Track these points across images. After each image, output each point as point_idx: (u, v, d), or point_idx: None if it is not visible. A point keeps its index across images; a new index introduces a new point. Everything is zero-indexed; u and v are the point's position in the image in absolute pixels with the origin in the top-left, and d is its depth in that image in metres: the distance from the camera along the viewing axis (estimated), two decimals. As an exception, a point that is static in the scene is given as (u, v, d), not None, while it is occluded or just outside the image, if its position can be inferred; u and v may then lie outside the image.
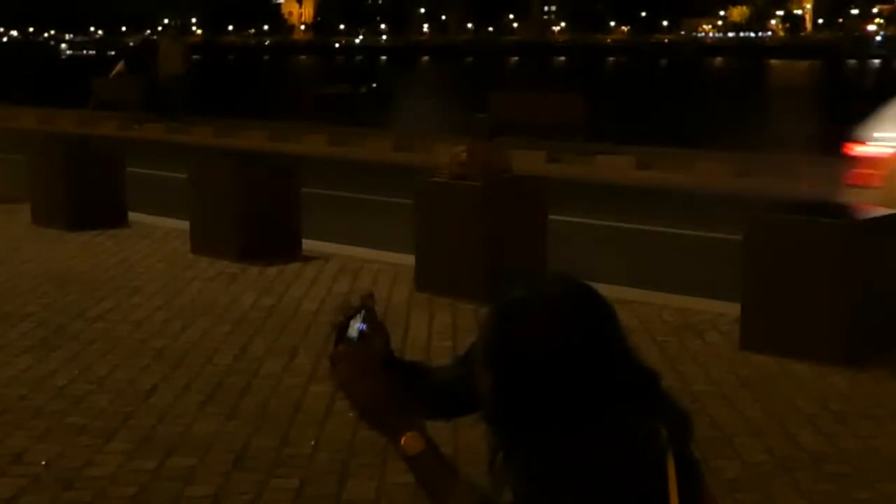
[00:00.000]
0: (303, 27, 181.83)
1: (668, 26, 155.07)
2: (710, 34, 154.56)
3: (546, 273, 1.98)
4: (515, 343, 1.95)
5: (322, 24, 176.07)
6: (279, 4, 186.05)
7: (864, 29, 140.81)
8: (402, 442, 1.97)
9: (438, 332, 6.38)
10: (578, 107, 18.54)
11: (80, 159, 9.96)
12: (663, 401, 1.99)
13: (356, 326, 1.99)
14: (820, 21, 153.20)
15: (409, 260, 7.76)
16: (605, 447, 1.92)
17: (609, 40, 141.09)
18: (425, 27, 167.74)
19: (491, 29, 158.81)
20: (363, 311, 2.00)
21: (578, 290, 1.98)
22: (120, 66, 27.36)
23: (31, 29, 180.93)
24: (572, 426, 1.93)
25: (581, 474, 1.92)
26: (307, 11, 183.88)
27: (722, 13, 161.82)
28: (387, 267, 8.08)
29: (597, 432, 1.93)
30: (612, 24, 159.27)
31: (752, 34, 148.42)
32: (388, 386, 2.01)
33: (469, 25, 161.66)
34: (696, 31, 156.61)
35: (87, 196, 9.78)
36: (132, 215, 10.09)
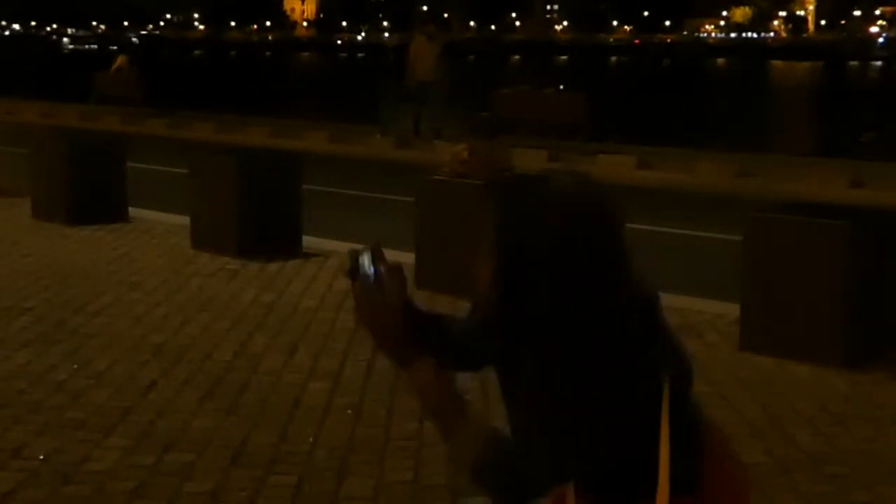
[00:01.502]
0: (305, 24, 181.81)
1: (670, 26, 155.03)
2: (713, 35, 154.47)
3: (562, 171, 1.95)
4: (525, 227, 1.92)
5: (324, 20, 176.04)
6: (282, 1, 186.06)
7: (867, 30, 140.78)
8: (412, 373, 1.99)
9: (438, 330, 6.37)
10: (580, 106, 18.55)
11: (81, 154, 9.95)
12: (666, 338, 1.99)
13: (367, 265, 2.03)
14: (822, 22, 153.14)
15: (409, 258, 7.75)
16: (609, 375, 1.91)
17: (612, 39, 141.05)
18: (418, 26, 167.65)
19: (493, 27, 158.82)
20: (370, 251, 2.02)
21: (595, 190, 1.94)
22: (120, 60, 27.37)
23: (33, 23, 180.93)
24: (575, 339, 1.92)
25: (580, 397, 1.90)
26: (309, 8, 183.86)
27: (724, 13, 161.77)
28: (387, 264, 8.06)
29: (601, 355, 1.92)
30: (615, 23, 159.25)
31: (755, 35, 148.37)
32: (405, 324, 2.05)
33: (472, 24, 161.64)
34: (699, 32, 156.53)
35: (88, 191, 9.79)
36: (133, 210, 10.09)
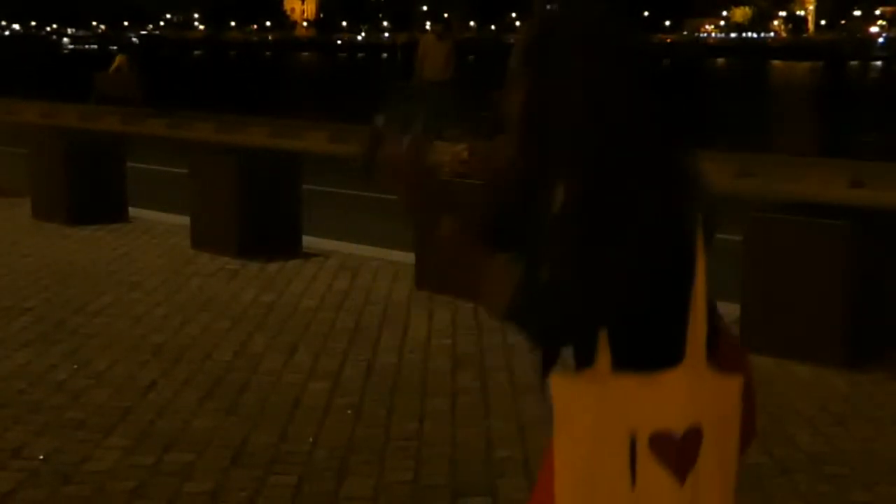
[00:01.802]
0: (305, 24, 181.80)
1: (670, 26, 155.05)
2: (713, 35, 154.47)
3: None
4: (560, 37, 1.95)
5: (324, 20, 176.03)
6: (282, 1, 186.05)
7: (867, 30, 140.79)
8: (442, 223, 2.07)
9: (438, 329, 6.38)
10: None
11: (81, 154, 9.95)
12: (696, 178, 2.01)
13: (405, 125, 2.09)
14: (822, 22, 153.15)
15: (408, 258, 7.76)
16: (647, 205, 1.93)
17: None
18: (428, 25, 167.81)
19: (493, 27, 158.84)
20: (405, 115, 2.10)
21: (626, 21, 2.01)
22: (119, 60, 27.38)
23: (33, 23, 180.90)
24: (612, 163, 1.95)
25: (616, 230, 1.93)
26: (309, 8, 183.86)
27: (724, 13, 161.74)
28: (387, 264, 8.08)
29: (639, 180, 1.94)
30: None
31: (755, 35, 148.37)
32: (432, 180, 2.11)
33: (472, 24, 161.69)
34: (699, 32, 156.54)
35: (88, 191, 9.79)
36: (133, 210, 10.10)
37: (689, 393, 1.96)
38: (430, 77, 18.02)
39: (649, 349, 2.00)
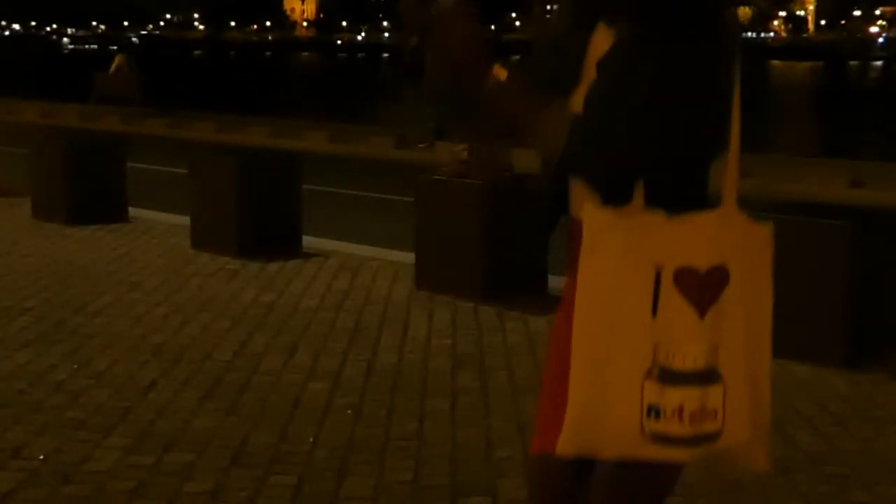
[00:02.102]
0: (305, 24, 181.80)
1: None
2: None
3: None
4: None
5: (324, 20, 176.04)
6: (281, 1, 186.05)
7: (867, 31, 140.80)
8: (494, 70, 2.18)
9: (438, 329, 6.38)
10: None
11: (81, 154, 9.96)
12: (736, 26, 2.24)
13: None
14: (822, 22, 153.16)
15: (409, 258, 7.77)
16: (701, 52, 2.12)
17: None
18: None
19: (493, 27, 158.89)
20: None
21: None
22: (119, 60, 27.39)
23: (33, 23, 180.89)
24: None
25: (667, 72, 2.08)
26: (309, 8, 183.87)
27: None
28: (387, 264, 8.08)
29: (685, 22, 2.10)
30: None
31: (755, 35, 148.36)
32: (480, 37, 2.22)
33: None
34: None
35: (88, 191, 9.79)
36: (133, 210, 10.10)
37: (716, 233, 2.09)
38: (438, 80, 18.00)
39: (683, 192, 2.12)
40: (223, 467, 4.28)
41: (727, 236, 2.11)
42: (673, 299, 2.05)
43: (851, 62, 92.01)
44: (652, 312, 2.05)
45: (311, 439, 4.59)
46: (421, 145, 17.69)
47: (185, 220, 8.97)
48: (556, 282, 7.40)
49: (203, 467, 4.28)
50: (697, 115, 2.12)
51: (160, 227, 9.63)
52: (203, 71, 71.05)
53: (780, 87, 55.62)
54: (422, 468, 4.30)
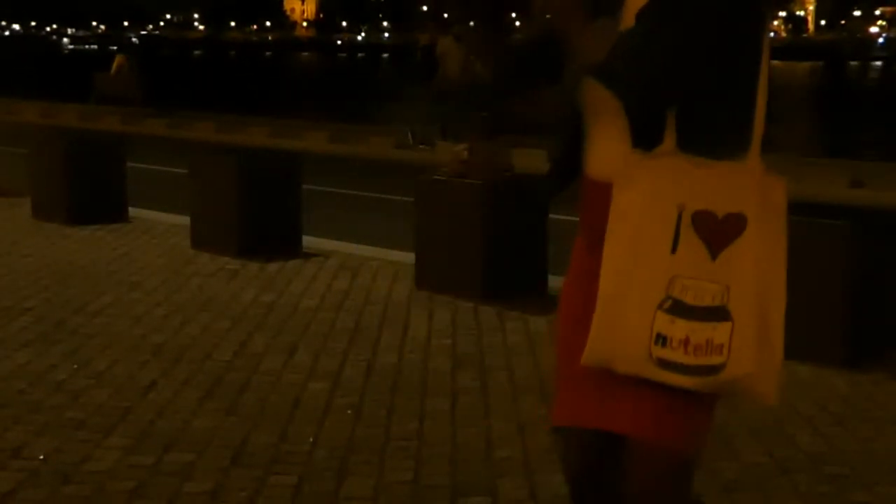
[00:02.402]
0: (305, 24, 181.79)
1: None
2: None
3: None
4: None
5: (324, 20, 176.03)
6: (281, 1, 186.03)
7: (867, 31, 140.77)
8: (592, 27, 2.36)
9: (438, 329, 6.38)
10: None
11: (81, 154, 9.96)
12: None
13: None
14: (822, 22, 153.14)
15: (408, 258, 7.76)
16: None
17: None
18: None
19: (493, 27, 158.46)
20: None
21: None
22: (119, 60, 27.38)
23: (33, 23, 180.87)
24: None
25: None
26: (309, 8, 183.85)
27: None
28: (387, 264, 8.08)
29: None
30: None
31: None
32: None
33: (471, 24, 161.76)
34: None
35: (88, 190, 9.79)
36: (133, 210, 10.10)
37: (738, 183, 2.28)
38: (449, 80, 18.14)
39: (710, 138, 2.28)
40: (223, 467, 4.28)
41: (748, 187, 2.29)
42: (690, 239, 2.24)
43: (851, 62, 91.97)
44: (672, 248, 2.24)
45: (311, 439, 4.59)
46: (422, 146, 17.66)
47: (185, 220, 8.97)
48: (556, 282, 7.41)
49: (203, 467, 4.28)
50: (728, 60, 2.29)
51: (160, 227, 9.63)
52: (203, 71, 71.04)
53: (781, 87, 55.60)
54: (422, 468, 4.30)
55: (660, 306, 2.25)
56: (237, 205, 8.42)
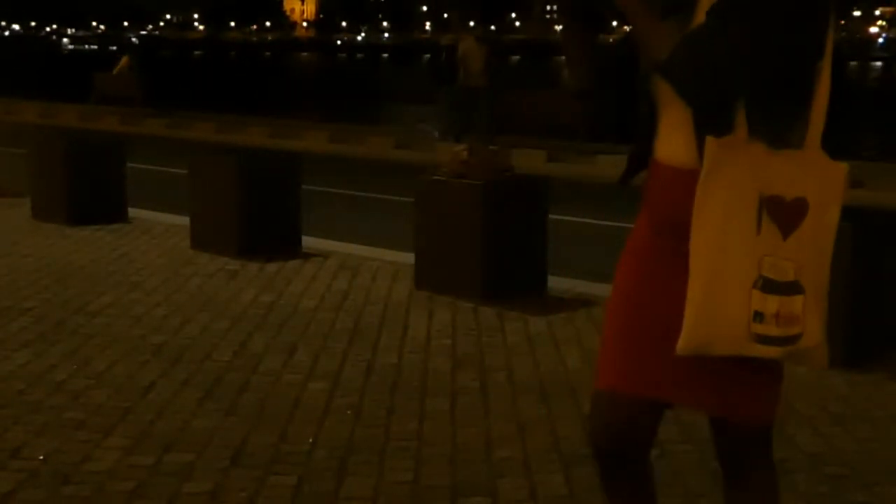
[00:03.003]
0: (305, 24, 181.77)
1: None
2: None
3: None
4: None
5: (324, 21, 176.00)
6: (281, 1, 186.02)
7: (867, 31, 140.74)
8: None
9: (437, 329, 6.38)
10: (579, 106, 18.49)
11: (81, 154, 9.95)
12: None
13: None
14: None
15: (408, 258, 7.76)
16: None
17: (611, 39, 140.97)
18: (427, 25, 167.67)
19: (493, 27, 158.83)
20: None
21: None
22: (124, 61, 27.40)
23: (33, 23, 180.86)
24: None
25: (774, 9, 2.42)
26: (309, 8, 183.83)
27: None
28: (386, 265, 8.08)
29: None
30: (615, 23, 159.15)
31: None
32: None
33: (471, 24, 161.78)
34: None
35: (88, 191, 9.79)
36: (133, 210, 10.10)
37: (802, 169, 2.48)
38: (470, 81, 18.13)
39: (776, 128, 2.47)
40: (223, 467, 4.28)
41: (810, 173, 2.50)
42: (767, 222, 2.45)
43: (851, 62, 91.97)
44: (757, 230, 2.45)
45: (311, 439, 4.59)
46: (446, 139, 17.55)
47: (184, 220, 8.97)
48: (555, 282, 7.41)
49: (203, 467, 4.28)
50: (794, 57, 2.50)
51: (160, 227, 9.63)
52: (203, 71, 71.05)
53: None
54: (422, 468, 4.30)
55: (754, 285, 2.46)
56: (237, 205, 8.42)
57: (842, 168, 2.57)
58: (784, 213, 2.47)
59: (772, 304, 2.49)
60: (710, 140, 2.44)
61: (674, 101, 2.52)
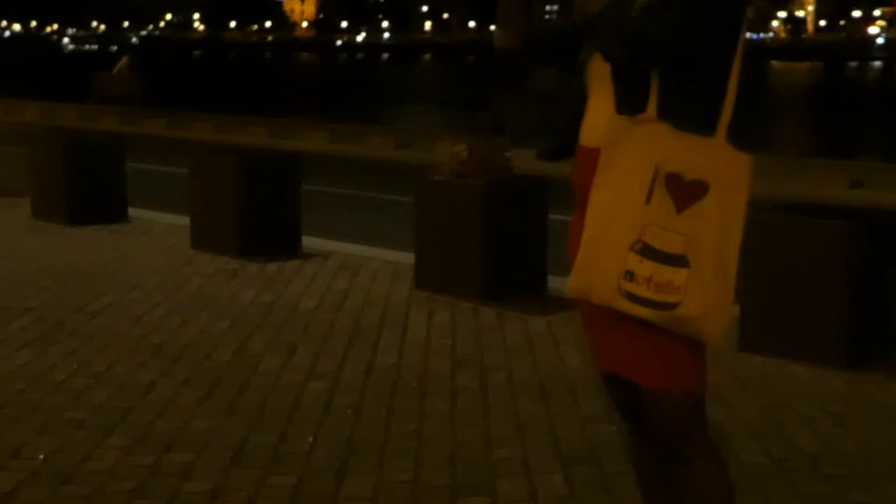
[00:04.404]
0: (305, 24, 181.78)
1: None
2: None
3: None
4: None
5: (324, 21, 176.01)
6: (281, 1, 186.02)
7: (866, 31, 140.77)
8: None
9: (437, 329, 6.38)
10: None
11: (81, 154, 9.95)
12: None
13: None
14: (822, 23, 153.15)
15: (408, 258, 7.76)
16: None
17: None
18: (427, 25, 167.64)
19: (493, 28, 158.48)
20: None
21: None
22: (124, 61, 27.40)
23: (33, 23, 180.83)
24: None
25: None
26: (309, 9, 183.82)
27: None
28: (386, 265, 8.08)
29: None
30: None
31: (754, 36, 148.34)
32: None
33: (471, 24, 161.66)
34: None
35: (88, 191, 9.79)
36: (132, 210, 10.10)
37: (703, 154, 2.66)
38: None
39: (684, 112, 2.65)
40: (223, 467, 4.28)
41: (715, 160, 2.67)
42: (661, 194, 2.65)
43: (851, 63, 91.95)
44: (646, 200, 2.65)
45: (311, 439, 4.59)
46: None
47: (184, 220, 8.97)
48: (555, 282, 7.40)
49: (203, 467, 4.28)
50: (713, 39, 2.66)
51: (160, 227, 9.63)
52: (203, 71, 71.03)
53: (780, 87, 55.59)
54: (421, 468, 4.30)
55: (632, 248, 2.65)
56: (237, 205, 8.42)
57: (747, 159, 2.72)
58: (681, 191, 2.65)
59: (646, 268, 2.65)
60: (618, 116, 2.69)
61: (601, 82, 2.75)
